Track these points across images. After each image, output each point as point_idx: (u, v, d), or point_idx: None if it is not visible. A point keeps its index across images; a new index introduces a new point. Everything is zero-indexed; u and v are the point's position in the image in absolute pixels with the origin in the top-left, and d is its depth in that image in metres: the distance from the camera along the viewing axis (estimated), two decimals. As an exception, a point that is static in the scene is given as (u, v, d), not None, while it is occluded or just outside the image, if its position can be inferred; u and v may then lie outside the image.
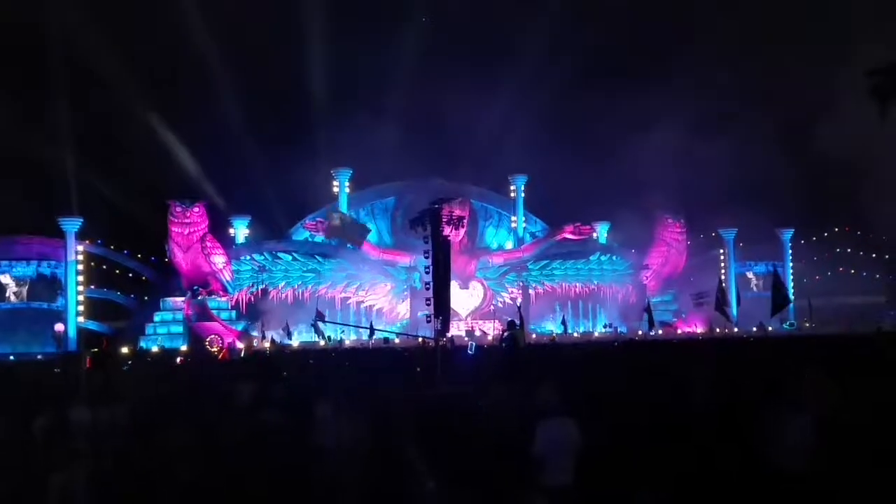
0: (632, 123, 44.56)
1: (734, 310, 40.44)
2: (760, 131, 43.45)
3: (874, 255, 49.65)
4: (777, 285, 26.36)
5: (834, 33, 41.25)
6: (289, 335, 38.53)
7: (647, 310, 38.51)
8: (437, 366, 14.04)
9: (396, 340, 34.56)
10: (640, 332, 40.79)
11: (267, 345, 35.52)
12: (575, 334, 42.59)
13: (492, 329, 42.16)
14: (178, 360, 24.89)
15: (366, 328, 32.46)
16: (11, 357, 31.64)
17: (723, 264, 49.38)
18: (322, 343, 36.55)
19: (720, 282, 40.93)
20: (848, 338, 23.64)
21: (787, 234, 49.83)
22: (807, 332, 38.69)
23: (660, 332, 40.39)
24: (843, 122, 36.52)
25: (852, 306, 43.48)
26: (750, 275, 49.63)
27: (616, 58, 51.22)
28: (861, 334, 25.70)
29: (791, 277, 50.04)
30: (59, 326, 38.13)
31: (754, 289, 48.21)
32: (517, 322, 22.53)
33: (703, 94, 44.38)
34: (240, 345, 33.59)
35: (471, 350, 20.55)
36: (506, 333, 19.40)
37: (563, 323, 42.63)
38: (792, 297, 49.02)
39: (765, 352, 17.22)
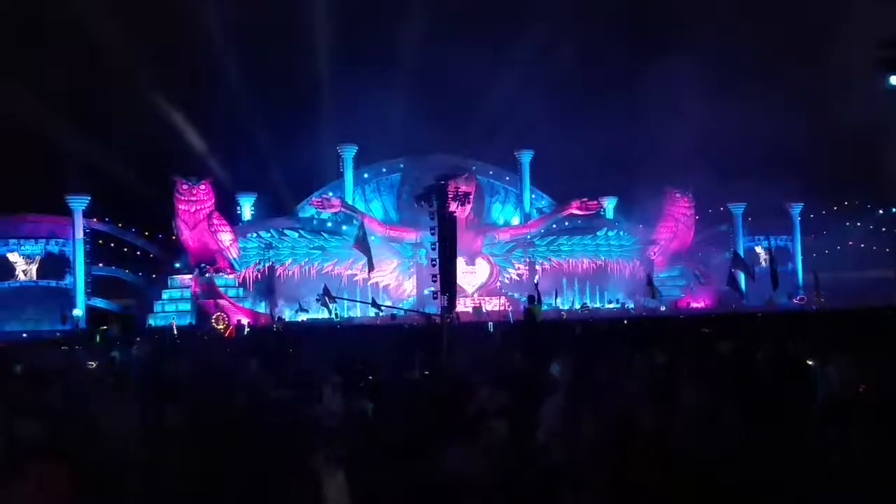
0: (640, 98, 44.15)
1: (742, 284, 40.39)
2: (771, 104, 43.00)
3: (884, 230, 49.32)
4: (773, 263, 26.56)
5: (844, 4, 40.69)
6: (303, 310, 38.79)
7: (650, 283, 38.28)
8: (444, 342, 14.00)
9: (399, 314, 34.63)
10: (648, 307, 40.78)
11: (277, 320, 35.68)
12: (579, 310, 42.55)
13: (497, 306, 42.16)
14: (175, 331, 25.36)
15: (367, 303, 32.45)
16: (24, 335, 31.88)
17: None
18: (333, 316, 36.65)
19: (736, 255, 40.73)
20: (858, 313, 23.51)
21: (797, 209, 49.51)
22: (817, 307, 38.51)
23: (662, 308, 40.30)
24: (854, 94, 36.16)
25: (862, 281, 43.25)
26: (759, 249, 49.40)
27: (624, 30, 50.62)
28: (872, 309, 25.54)
29: (800, 252, 49.82)
30: (76, 312, 38.31)
31: (763, 263, 47.97)
32: (535, 297, 22.47)
33: (713, 66, 43.90)
34: (245, 321, 33.71)
35: (490, 329, 20.60)
36: (521, 308, 19.51)
37: (557, 295, 42.25)
38: (801, 271, 49.14)
39: (775, 327, 17.13)
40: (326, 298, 31.11)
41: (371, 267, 28.60)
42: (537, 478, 4.98)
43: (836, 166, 45.29)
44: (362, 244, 24.42)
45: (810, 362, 8.40)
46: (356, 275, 43.34)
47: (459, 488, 4.80)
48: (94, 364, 10.97)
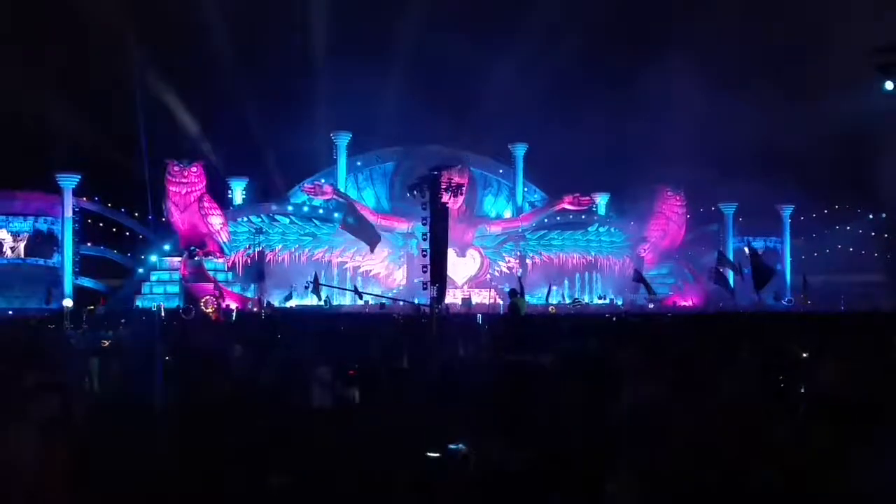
0: (634, 95, 44.14)
1: (731, 284, 40.55)
2: (765, 105, 43.11)
3: (873, 234, 49.58)
4: (756, 264, 26.66)
5: (840, 7, 40.78)
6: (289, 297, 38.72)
7: (641, 279, 38.09)
8: (433, 332, 14.02)
9: (386, 303, 34.66)
10: (637, 304, 40.86)
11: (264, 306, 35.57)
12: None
13: (487, 298, 42.17)
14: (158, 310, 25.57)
15: (350, 290, 32.39)
16: (10, 312, 31.70)
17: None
18: (323, 303, 36.60)
19: (722, 254, 40.81)
20: (842, 316, 23.69)
21: (788, 211, 49.68)
22: (803, 310, 38.72)
23: (650, 305, 40.32)
24: (849, 97, 36.25)
25: (851, 284, 43.50)
26: (748, 250, 49.54)
27: (620, 27, 50.59)
28: (857, 312, 25.74)
29: (789, 254, 50.05)
30: (66, 302, 37.81)
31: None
32: (517, 291, 22.49)
33: (707, 65, 43.94)
34: (233, 306, 33.62)
35: (479, 320, 20.62)
36: (507, 301, 19.51)
37: (549, 291, 42.30)
38: (789, 273, 49.38)
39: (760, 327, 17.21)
40: (316, 286, 31.13)
41: (372, 245, 28.30)
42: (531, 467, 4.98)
43: (829, 169, 45.45)
44: (349, 226, 24.33)
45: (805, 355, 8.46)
46: (346, 262, 43.30)
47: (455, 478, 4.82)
48: (107, 343, 10.98)
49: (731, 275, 39.89)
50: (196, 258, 38.81)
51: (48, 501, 4.05)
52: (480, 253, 45.63)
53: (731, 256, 44.91)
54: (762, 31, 47.73)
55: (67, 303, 35.52)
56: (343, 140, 45.25)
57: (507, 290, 23.39)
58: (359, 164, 46.84)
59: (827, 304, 39.30)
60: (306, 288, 35.87)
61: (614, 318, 23.93)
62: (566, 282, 46.49)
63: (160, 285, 39.13)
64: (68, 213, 39.44)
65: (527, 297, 40.10)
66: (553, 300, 42.85)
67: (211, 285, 37.95)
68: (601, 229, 48.23)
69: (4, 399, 5.37)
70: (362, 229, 24.95)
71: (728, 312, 31.34)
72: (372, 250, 33.49)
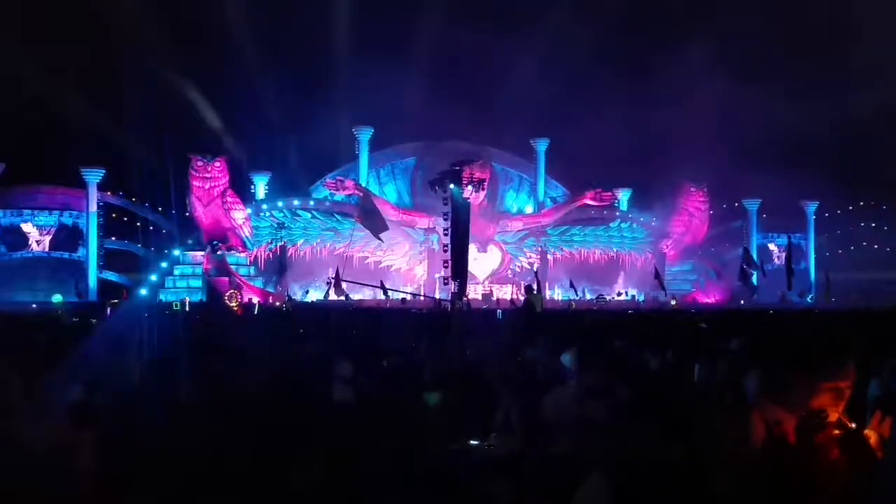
0: (657, 89, 43.82)
1: (755, 281, 40.17)
2: (789, 100, 42.59)
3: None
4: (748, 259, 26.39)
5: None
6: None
7: (656, 276, 37.75)
8: (453, 327, 13.99)
9: (408, 298, 34.73)
10: (659, 301, 40.60)
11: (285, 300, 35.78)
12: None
13: (509, 294, 42.09)
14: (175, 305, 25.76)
15: (376, 286, 32.52)
16: (34, 305, 32.05)
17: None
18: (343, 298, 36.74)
19: (746, 251, 40.42)
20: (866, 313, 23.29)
21: (812, 207, 49.09)
22: (827, 307, 38.22)
23: (672, 302, 40.03)
24: (875, 91, 35.75)
25: (875, 281, 42.90)
26: (772, 246, 49.09)
27: (643, 20, 50.25)
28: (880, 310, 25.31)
29: (814, 250, 49.49)
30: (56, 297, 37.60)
31: (776, 261, 47.69)
32: (534, 287, 22.44)
33: (731, 59, 43.52)
34: (255, 300, 33.84)
35: (499, 315, 20.61)
36: (523, 298, 19.43)
37: (572, 286, 42.16)
38: (813, 270, 48.83)
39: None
40: (338, 281, 31.25)
41: (377, 234, 28.28)
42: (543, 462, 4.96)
43: (854, 165, 44.88)
44: (363, 215, 24.35)
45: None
46: (367, 257, 43.41)
47: (468, 471, 4.82)
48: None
49: (754, 272, 39.49)
50: (219, 252, 39.10)
51: (70, 494, 4.10)
52: (501, 248, 45.53)
53: (754, 253, 44.44)
54: (786, 23, 47.13)
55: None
56: (365, 135, 45.29)
57: (526, 285, 23.36)
58: (380, 159, 46.89)
59: (850, 301, 38.74)
60: (328, 284, 36.00)
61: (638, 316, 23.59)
62: (587, 277, 46.21)
63: (183, 279, 39.47)
64: (93, 208, 39.90)
65: (553, 293, 40.37)
66: (574, 296, 42.69)
67: (237, 280, 38.27)
68: (623, 225, 47.92)
69: (29, 392, 5.45)
70: (371, 218, 24.93)
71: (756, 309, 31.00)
72: (376, 235, 33.55)
